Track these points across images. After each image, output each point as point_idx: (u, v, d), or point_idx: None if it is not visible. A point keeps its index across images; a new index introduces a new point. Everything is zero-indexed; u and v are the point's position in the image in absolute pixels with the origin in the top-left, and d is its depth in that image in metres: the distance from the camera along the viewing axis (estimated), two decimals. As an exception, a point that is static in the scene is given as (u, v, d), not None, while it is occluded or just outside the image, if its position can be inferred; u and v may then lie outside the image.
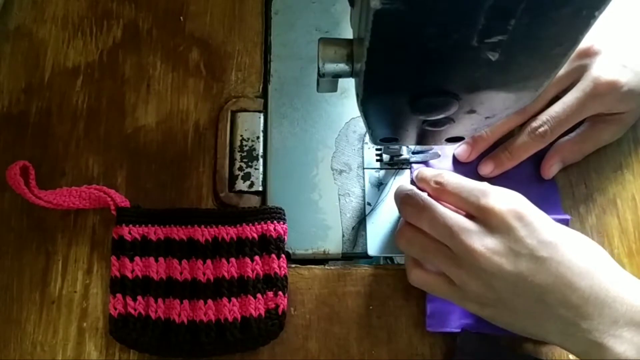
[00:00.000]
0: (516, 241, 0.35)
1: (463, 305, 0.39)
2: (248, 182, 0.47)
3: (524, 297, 0.36)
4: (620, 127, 0.45)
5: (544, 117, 0.43)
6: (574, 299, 0.34)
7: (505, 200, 0.36)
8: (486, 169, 0.46)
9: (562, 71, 0.42)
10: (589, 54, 0.42)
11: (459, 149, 0.47)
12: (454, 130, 0.36)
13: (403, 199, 0.41)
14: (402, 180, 0.47)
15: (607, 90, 0.41)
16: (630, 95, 0.42)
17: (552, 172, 0.46)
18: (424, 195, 0.40)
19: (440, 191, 0.40)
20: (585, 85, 0.42)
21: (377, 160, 0.48)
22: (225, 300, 0.42)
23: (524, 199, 0.37)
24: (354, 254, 0.46)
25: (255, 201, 0.47)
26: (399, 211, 0.42)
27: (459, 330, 0.42)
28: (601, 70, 0.41)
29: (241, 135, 0.48)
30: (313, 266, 0.45)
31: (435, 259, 0.38)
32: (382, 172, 0.48)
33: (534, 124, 0.44)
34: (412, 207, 0.39)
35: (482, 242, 0.36)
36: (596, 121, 0.45)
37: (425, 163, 0.47)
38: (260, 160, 0.48)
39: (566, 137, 0.46)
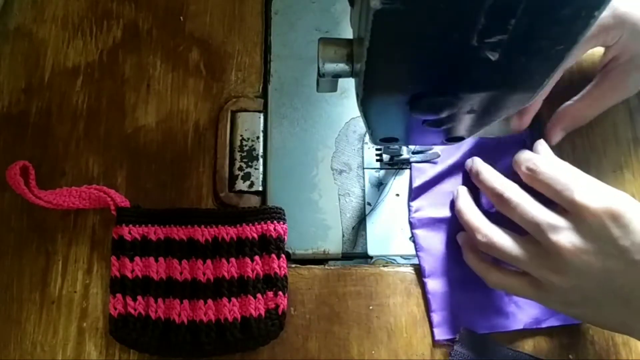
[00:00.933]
0: (608, 242, 0.34)
1: (547, 305, 0.39)
2: (248, 182, 0.47)
3: (610, 296, 0.35)
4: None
5: None
6: None
7: (601, 198, 0.35)
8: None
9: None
10: None
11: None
12: (454, 130, 0.36)
13: (494, 190, 0.40)
14: (402, 180, 0.47)
15: None
16: None
17: (556, 139, 0.46)
18: (516, 186, 0.39)
19: (532, 178, 0.39)
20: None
21: (377, 160, 0.48)
22: (225, 300, 0.42)
23: (626, 197, 0.35)
24: (354, 254, 0.46)
25: (255, 201, 0.47)
26: (490, 199, 0.41)
27: None
28: None
29: (241, 135, 0.48)
30: (313, 266, 0.45)
31: (521, 257, 0.37)
32: (382, 172, 0.48)
33: None
34: (503, 198, 0.39)
35: (571, 240, 0.35)
36: (603, 79, 0.44)
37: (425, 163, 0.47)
38: (260, 160, 0.48)
39: (569, 102, 0.45)
